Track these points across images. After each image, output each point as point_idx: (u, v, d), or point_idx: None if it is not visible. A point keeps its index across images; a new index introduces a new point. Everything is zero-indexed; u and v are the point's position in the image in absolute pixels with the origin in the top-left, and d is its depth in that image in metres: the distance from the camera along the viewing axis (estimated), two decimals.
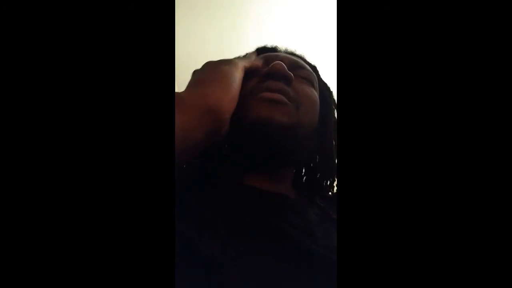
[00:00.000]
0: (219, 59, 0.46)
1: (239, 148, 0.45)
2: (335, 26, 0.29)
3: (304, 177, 0.53)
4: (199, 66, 0.55)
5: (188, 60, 0.57)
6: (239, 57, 0.48)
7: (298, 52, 0.57)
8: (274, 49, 0.56)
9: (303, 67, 0.51)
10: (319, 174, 0.53)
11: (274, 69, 0.44)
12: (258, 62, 0.48)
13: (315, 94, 0.49)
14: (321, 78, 0.55)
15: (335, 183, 0.54)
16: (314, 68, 0.54)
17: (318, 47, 2.05)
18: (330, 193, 0.54)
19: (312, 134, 0.48)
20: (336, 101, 0.56)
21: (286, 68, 0.45)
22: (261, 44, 0.57)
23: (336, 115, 0.55)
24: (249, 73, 0.46)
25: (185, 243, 0.31)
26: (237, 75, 0.43)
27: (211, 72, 0.42)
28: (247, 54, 0.55)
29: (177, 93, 0.38)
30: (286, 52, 0.56)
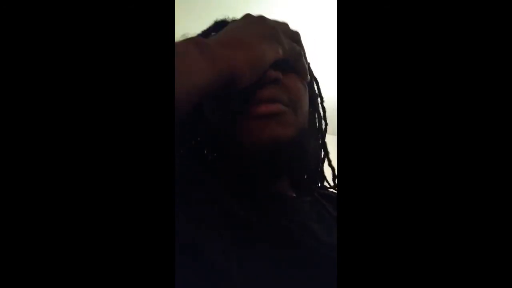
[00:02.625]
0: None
1: (241, 169, 0.43)
2: (335, 26, 0.29)
3: (302, 175, 0.53)
4: None
5: None
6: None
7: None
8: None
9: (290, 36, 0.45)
10: (314, 170, 0.53)
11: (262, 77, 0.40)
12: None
13: (302, 83, 0.47)
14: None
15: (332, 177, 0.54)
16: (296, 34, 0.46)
17: (319, 47, 2.05)
18: (329, 188, 0.54)
19: (307, 127, 0.47)
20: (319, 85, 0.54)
21: (271, 71, 0.41)
22: (219, 17, 0.53)
23: (320, 101, 0.54)
24: None
25: (185, 243, 0.31)
26: (269, 61, 0.38)
27: (251, 42, 0.37)
28: (203, 31, 0.52)
29: (208, 42, 0.35)
30: None
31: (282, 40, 0.40)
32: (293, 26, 0.45)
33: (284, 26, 0.43)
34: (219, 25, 0.52)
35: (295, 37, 0.44)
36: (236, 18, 0.52)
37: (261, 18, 0.41)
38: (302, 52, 0.44)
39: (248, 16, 0.42)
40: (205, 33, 0.52)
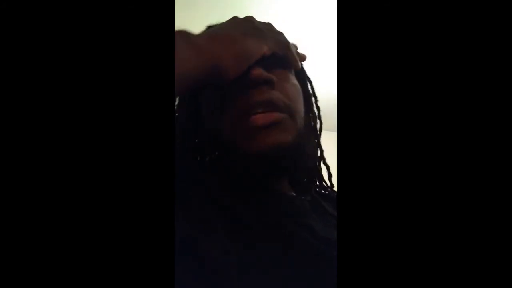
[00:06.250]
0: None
1: (243, 172, 0.44)
2: (335, 25, 0.29)
3: (300, 175, 0.54)
4: None
5: None
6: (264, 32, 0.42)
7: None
8: None
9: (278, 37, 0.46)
10: (312, 169, 0.53)
11: (253, 78, 0.41)
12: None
13: (296, 82, 0.48)
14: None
15: (330, 177, 0.55)
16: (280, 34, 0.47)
17: (318, 47, 2.05)
18: (329, 188, 0.54)
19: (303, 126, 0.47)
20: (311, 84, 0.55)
21: (264, 72, 0.42)
22: (212, 23, 0.54)
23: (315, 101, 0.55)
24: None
25: (184, 243, 0.31)
26: (255, 57, 0.40)
27: (236, 38, 0.39)
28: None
29: (194, 35, 0.37)
30: None
31: (267, 36, 0.42)
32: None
33: (268, 25, 0.45)
34: None
35: (280, 34, 0.45)
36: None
37: (246, 18, 0.43)
38: (289, 43, 0.45)
39: (233, 17, 0.44)
40: None
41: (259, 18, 0.44)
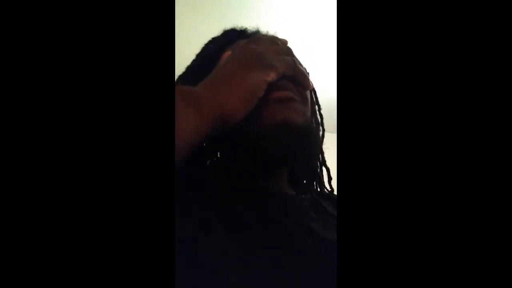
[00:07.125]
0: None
1: (248, 153, 0.43)
2: (335, 25, 0.29)
3: (300, 174, 0.54)
4: None
5: (188, 59, 0.57)
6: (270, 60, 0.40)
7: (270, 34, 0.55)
8: (243, 32, 0.54)
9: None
10: (313, 171, 0.54)
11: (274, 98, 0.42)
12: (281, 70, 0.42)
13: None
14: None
15: (329, 179, 0.55)
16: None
17: (318, 47, 2.05)
18: (329, 189, 0.55)
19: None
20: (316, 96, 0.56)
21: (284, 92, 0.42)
22: (228, 27, 0.55)
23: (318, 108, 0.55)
24: None
25: (184, 243, 0.31)
26: (262, 88, 0.39)
27: (237, 76, 0.38)
28: (213, 39, 0.54)
29: (193, 89, 0.36)
30: (260, 33, 0.54)
31: (272, 62, 0.40)
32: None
33: (271, 40, 0.44)
34: (229, 34, 0.54)
35: (285, 49, 0.44)
36: (243, 26, 0.54)
37: (245, 47, 0.41)
38: (295, 60, 0.44)
39: (229, 54, 0.42)
40: (216, 43, 0.54)
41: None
